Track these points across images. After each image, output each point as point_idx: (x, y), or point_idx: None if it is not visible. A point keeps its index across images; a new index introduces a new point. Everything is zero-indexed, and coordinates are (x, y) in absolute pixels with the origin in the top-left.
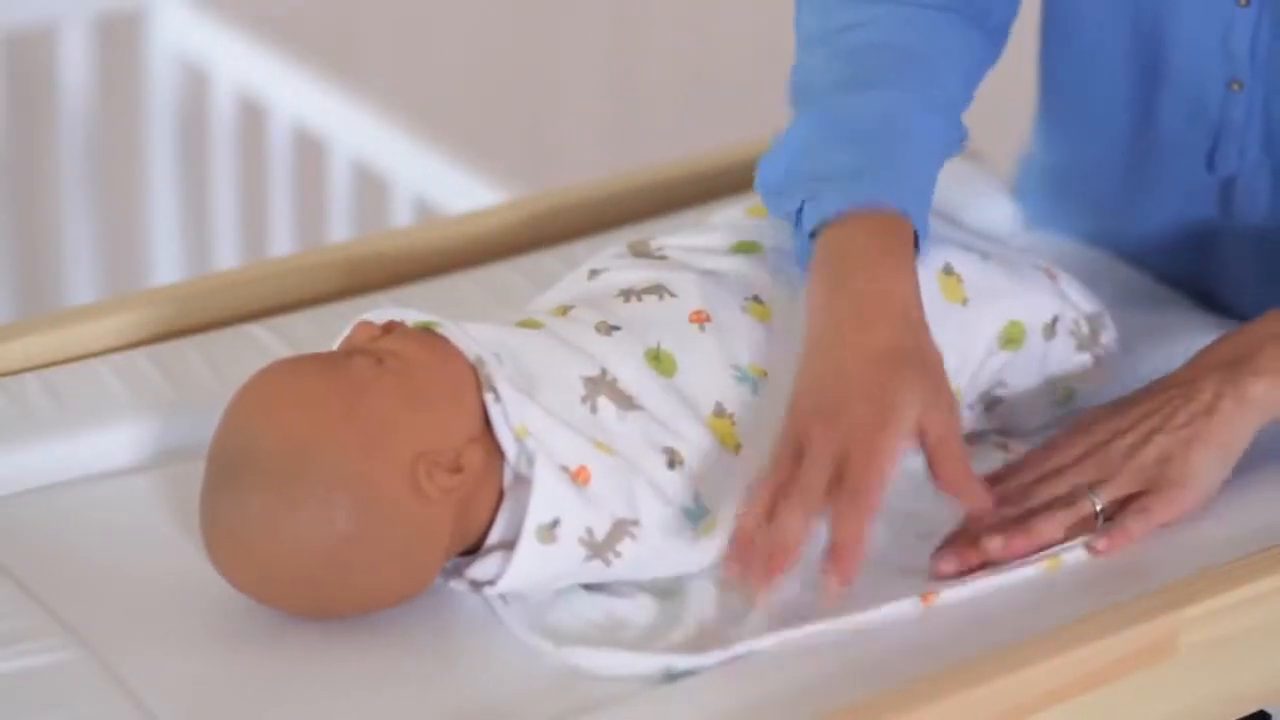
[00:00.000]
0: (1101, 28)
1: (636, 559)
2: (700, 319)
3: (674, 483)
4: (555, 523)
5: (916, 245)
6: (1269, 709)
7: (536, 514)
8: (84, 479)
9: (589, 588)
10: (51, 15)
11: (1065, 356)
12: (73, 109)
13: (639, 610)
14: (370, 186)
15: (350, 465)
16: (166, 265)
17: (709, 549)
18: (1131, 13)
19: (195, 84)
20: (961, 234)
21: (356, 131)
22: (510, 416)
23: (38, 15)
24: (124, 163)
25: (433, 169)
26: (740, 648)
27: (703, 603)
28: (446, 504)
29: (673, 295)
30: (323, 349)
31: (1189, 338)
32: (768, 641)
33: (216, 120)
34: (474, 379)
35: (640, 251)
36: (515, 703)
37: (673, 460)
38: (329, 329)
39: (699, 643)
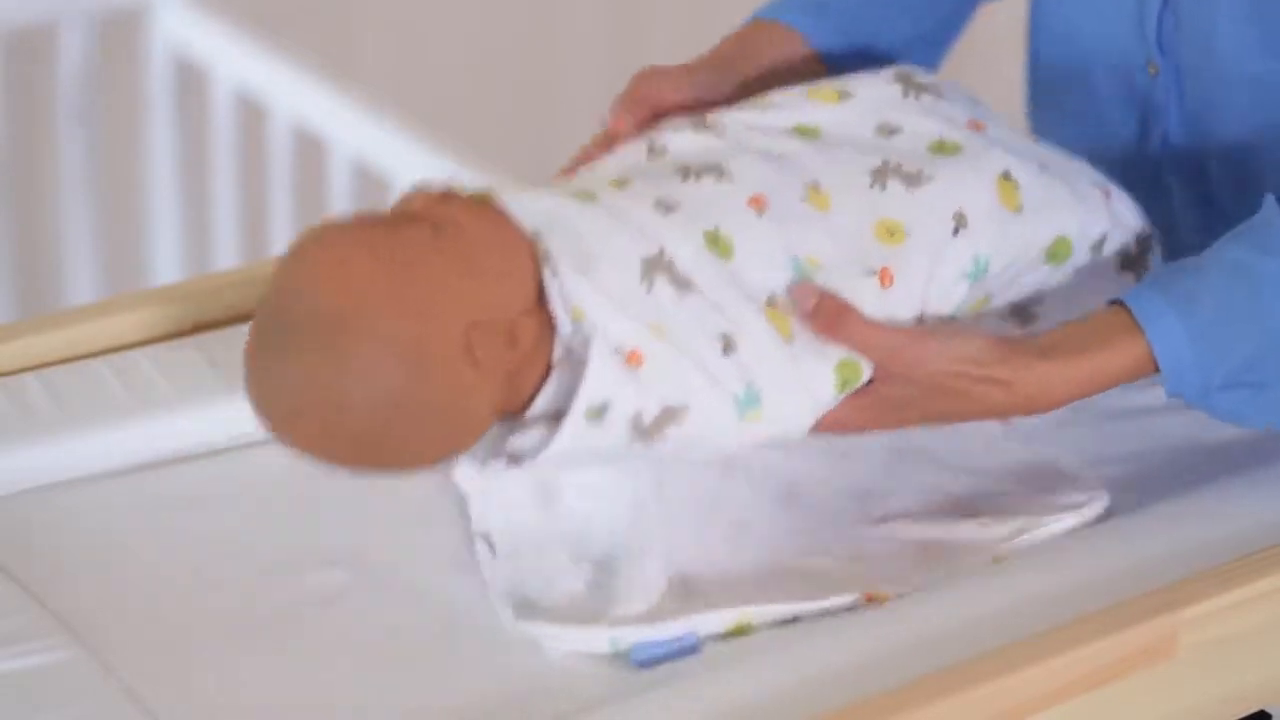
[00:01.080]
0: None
1: (681, 442)
2: (759, 204)
3: (726, 369)
4: (606, 405)
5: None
6: (1269, 709)
7: (588, 395)
8: (84, 479)
9: (576, 556)
10: (51, 15)
11: (1109, 277)
12: (73, 108)
13: (608, 580)
14: (370, 186)
15: (404, 328)
16: (166, 265)
17: (754, 434)
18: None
19: (195, 84)
20: (1023, 140)
21: (356, 131)
22: (567, 293)
23: (38, 15)
24: (124, 163)
25: (433, 169)
26: (686, 623)
27: (652, 581)
28: (496, 374)
29: (731, 178)
30: None
31: None
32: (715, 620)
33: (216, 120)
34: (530, 252)
35: (699, 125)
36: (515, 703)
37: (726, 346)
38: None
39: (648, 616)
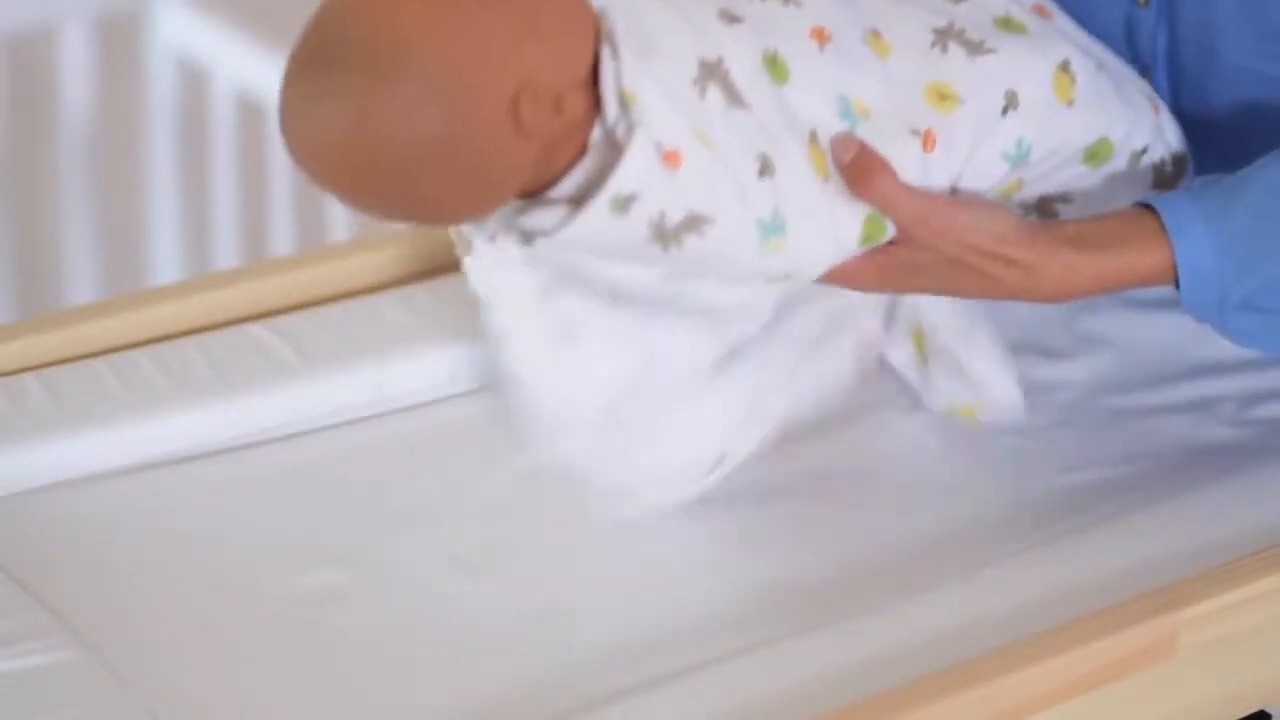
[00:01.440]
0: None
1: (696, 254)
2: (821, 37)
3: (759, 191)
4: (633, 197)
5: None
6: (1269, 709)
7: (618, 183)
8: (84, 479)
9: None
10: (51, 15)
11: (1140, 189)
12: (73, 109)
13: None
14: None
15: (454, 72)
16: (166, 265)
17: (770, 266)
18: None
19: (195, 84)
20: (1085, 36)
21: None
22: (622, 76)
23: (38, 15)
24: (124, 163)
25: None
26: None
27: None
28: (536, 140)
29: (798, 4)
30: (324, 349)
31: None
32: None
33: (216, 120)
34: (594, 25)
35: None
36: (515, 702)
37: (764, 168)
38: (330, 329)
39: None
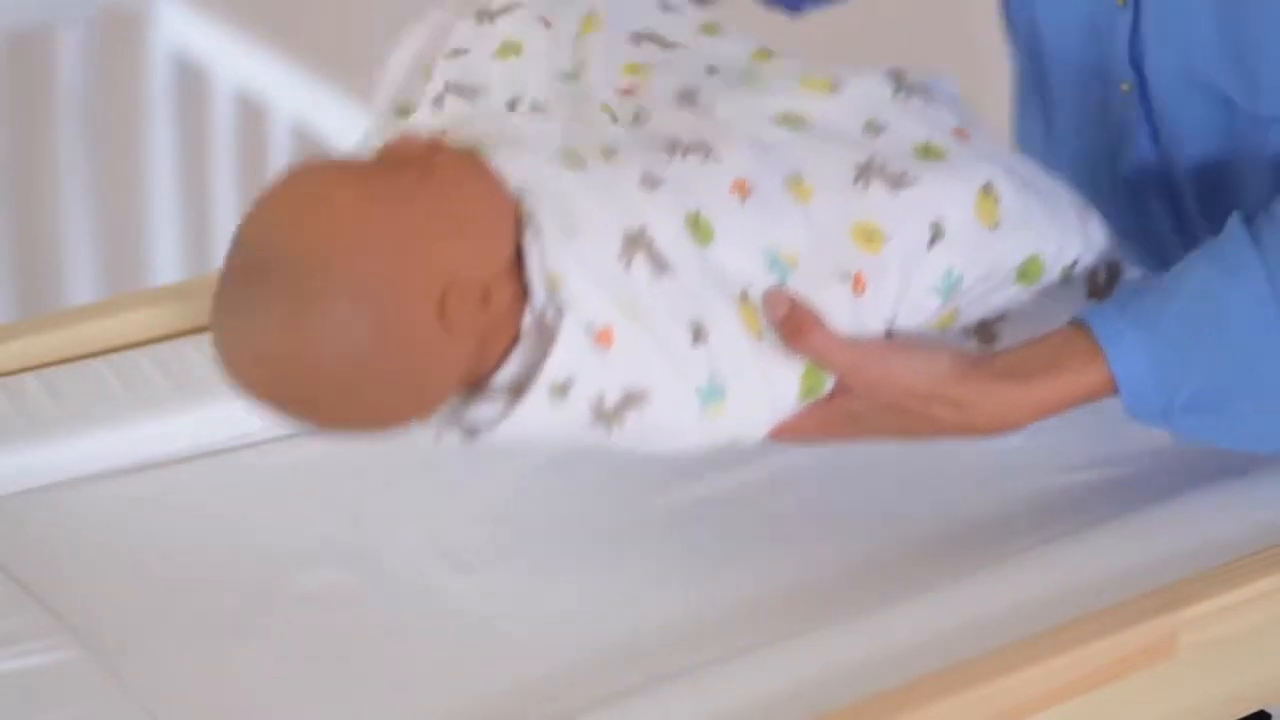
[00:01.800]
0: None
1: (639, 430)
2: (743, 190)
3: (693, 360)
4: (569, 382)
5: None
6: (1269, 709)
7: (553, 371)
8: (84, 479)
9: None
10: (51, 16)
11: (1076, 300)
12: (73, 109)
13: None
14: None
15: (378, 281)
16: (166, 265)
17: (713, 433)
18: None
19: (195, 84)
20: (1007, 153)
21: (356, 131)
22: (546, 259)
23: (38, 15)
24: (124, 163)
25: None
26: None
27: None
28: (467, 336)
29: (717, 159)
30: None
31: None
32: None
33: (216, 120)
34: (513, 212)
35: (689, 100)
36: (514, 703)
37: (697, 335)
38: None
39: None
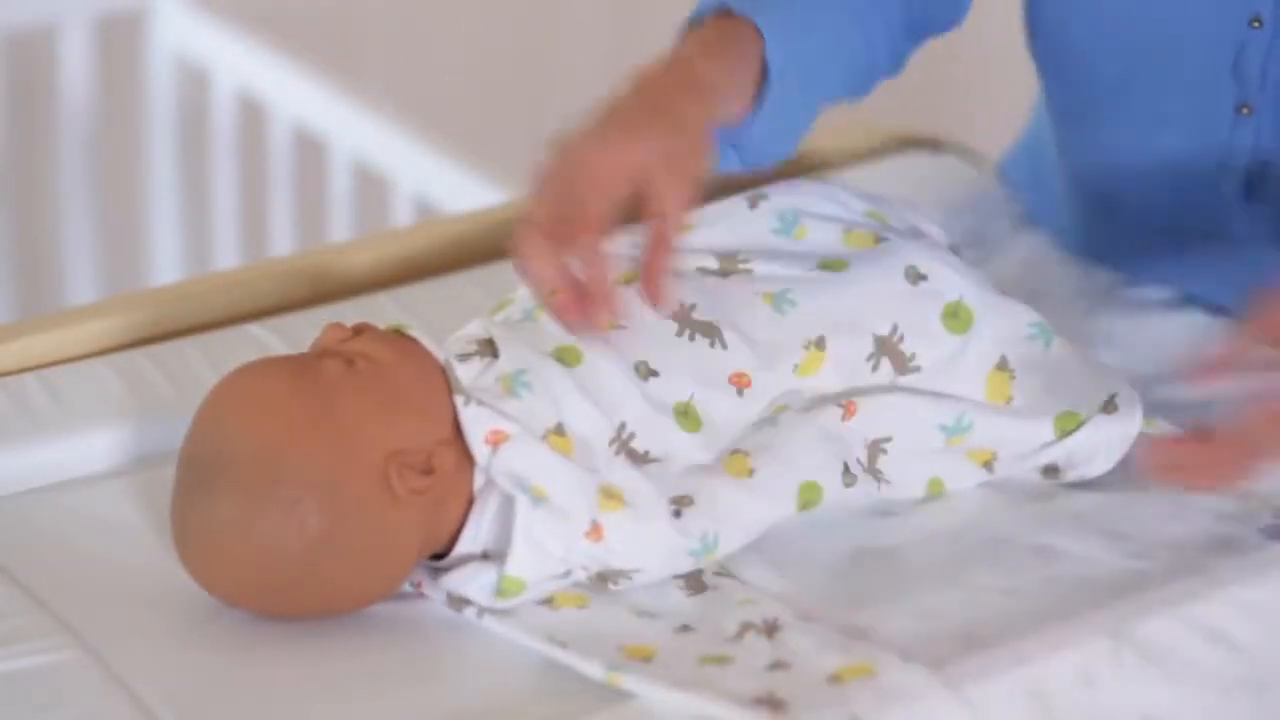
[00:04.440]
0: (1096, 52)
1: (631, 586)
2: (741, 383)
3: (679, 528)
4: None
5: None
6: None
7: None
8: (84, 479)
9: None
10: (51, 15)
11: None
12: (73, 109)
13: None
14: (370, 186)
15: (321, 469)
16: (166, 265)
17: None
18: (1128, 33)
19: (195, 84)
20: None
21: (356, 131)
22: (481, 420)
23: (38, 15)
24: (124, 163)
25: (433, 169)
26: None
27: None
28: (417, 506)
29: (724, 348)
30: None
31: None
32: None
33: (216, 120)
34: (445, 382)
35: (727, 269)
36: (514, 703)
37: (679, 509)
38: None
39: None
